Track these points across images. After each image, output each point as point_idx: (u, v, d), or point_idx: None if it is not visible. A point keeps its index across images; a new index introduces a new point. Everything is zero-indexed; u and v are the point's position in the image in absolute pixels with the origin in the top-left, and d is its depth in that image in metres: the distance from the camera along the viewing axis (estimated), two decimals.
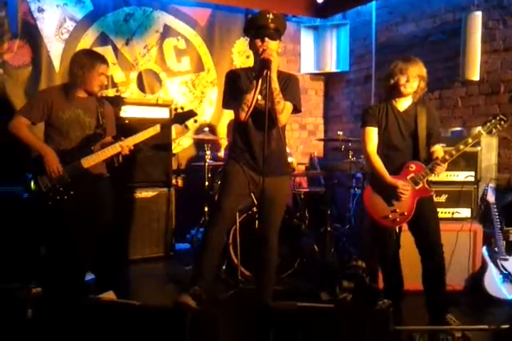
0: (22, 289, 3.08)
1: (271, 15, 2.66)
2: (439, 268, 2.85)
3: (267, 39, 2.64)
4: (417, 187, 2.82)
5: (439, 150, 2.85)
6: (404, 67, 2.78)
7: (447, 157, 2.75)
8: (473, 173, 3.54)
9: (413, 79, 2.78)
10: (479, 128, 2.77)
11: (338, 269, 3.78)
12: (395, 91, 2.86)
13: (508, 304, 3.20)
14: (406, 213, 2.83)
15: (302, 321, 2.11)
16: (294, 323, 2.11)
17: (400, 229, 3.03)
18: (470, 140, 2.74)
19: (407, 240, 2.99)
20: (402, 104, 2.90)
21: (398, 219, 2.85)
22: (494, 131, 2.77)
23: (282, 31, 2.75)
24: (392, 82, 2.82)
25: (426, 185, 2.82)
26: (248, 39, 2.81)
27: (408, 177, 2.82)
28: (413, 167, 2.83)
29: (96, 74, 2.95)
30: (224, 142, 5.15)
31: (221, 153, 5.17)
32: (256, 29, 2.68)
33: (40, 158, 2.89)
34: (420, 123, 2.84)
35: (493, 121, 2.75)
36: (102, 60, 3.01)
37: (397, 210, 2.84)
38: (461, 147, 2.74)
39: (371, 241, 3.66)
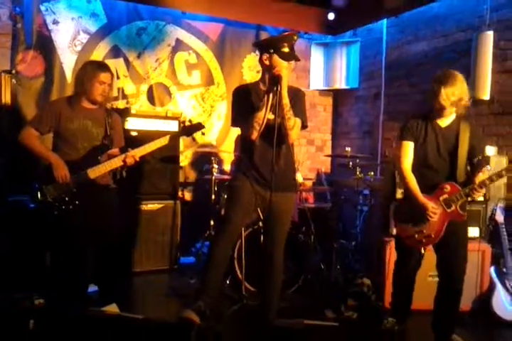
0: (25, 300, 3.07)
1: (296, 38, 2.70)
2: (457, 293, 2.78)
3: (292, 62, 2.68)
4: (449, 210, 2.72)
5: (484, 173, 2.68)
6: (439, 86, 2.64)
7: (487, 182, 2.63)
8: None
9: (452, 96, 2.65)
10: None
11: (343, 286, 3.75)
12: (434, 108, 2.73)
13: None
14: (433, 235, 2.73)
15: (307, 339, 2.08)
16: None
17: (424, 249, 2.91)
18: None
19: None
20: (445, 120, 2.77)
21: (424, 241, 2.75)
22: None
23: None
24: (431, 101, 2.70)
25: (459, 209, 2.72)
26: (259, 53, 2.81)
27: (441, 198, 2.73)
28: (448, 188, 2.72)
29: (97, 82, 2.98)
30: (231, 156, 5.15)
31: (227, 167, 5.17)
32: (280, 48, 2.66)
33: (49, 167, 2.90)
34: (462, 141, 2.71)
35: None
36: (103, 68, 3.03)
37: (424, 231, 2.75)
38: (504, 172, 2.63)
39: (378, 258, 3.62)
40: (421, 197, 2.71)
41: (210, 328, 2.55)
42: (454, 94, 2.63)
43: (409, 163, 2.78)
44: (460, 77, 2.67)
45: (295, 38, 2.70)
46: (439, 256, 2.81)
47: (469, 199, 2.70)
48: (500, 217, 3.35)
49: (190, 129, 3.12)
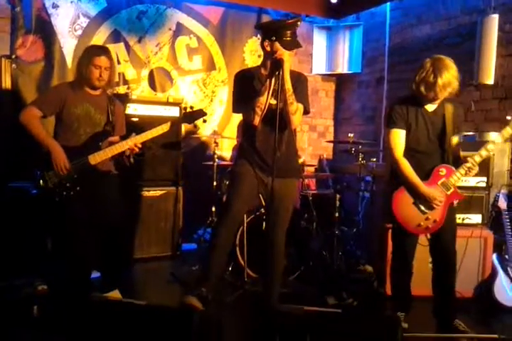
0: (28, 286, 3.09)
1: (299, 24, 2.65)
2: (452, 275, 2.81)
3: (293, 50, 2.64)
4: (449, 193, 2.72)
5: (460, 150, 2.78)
6: (438, 73, 2.58)
7: (478, 158, 2.68)
8: (484, 179, 3.49)
9: (448, 87, 2.62)
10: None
11: (345, 273, 3.75)
12: (426, 97, 2.70)
13: None
14: (438, 220, 2.73)
15: (309, 325, 2.09)
16: (300, 327, 2.09)
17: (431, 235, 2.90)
18: (497, 140, 2.69)
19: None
20: (432, 105, 2.76)
21: (430, 226, 2.74)
22: None
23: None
24: (424, 88, 2.64)
25: (457, 190, 2.74)
26: (260, 37, 2.76)
27: (439, 182, 2.72)
28: (443, 171, 2.72)
29: (92, 66, 2.94)
30: (233, 142, 5.12)
31: (229, 153, 5.15)
32: (282, 36, 2.61)
33: (49, 154, 2.89)
34: (448, 123, 2.73)
35: None
36: (99, 52, 2.98)
37: (430, 217, 2.73)
38: (491, 146, 2.68)
39: (379, 245, 3.62)
40: (423, 186, 2.68)
41: (212, 314, 2.57)
42: (450, 83, 2.61)
43: (402, 151, 2.75)
44: (451, 63, 2.64)
45: (298, 24, 2.65)
46: (431, 240, 2.83)
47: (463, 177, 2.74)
48: (503, 204, 3.33)
49: (191, 116, 3.09)
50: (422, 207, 2.73)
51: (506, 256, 3.28)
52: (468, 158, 2.70)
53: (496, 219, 3.45)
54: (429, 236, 2.86)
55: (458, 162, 2.76)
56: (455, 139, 2.81)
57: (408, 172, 2.70)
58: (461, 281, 3.16)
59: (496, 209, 3.39)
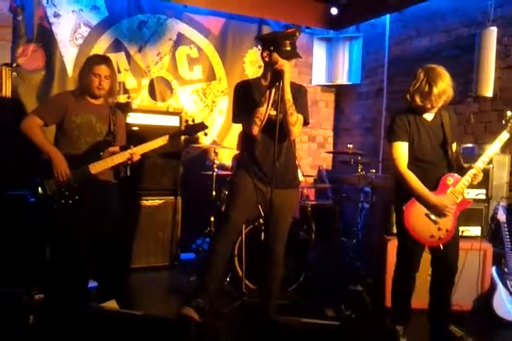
0: (25, 295, 3.07)
1: (298, 35, 2.66)
2: (452, 284, 2.81)
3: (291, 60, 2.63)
4: (458, 201, 2.71)
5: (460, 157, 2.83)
6: (433, 83, 2.61)
7: (482, 165, 2.69)
8: (484, 191, 3.49)
9: (443, 95, 2.65)
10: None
11: (344, 285, 3.73)
12: (422, 107, 2.71)
13: None
14: (449, 229, 2.71)
15: (306, 338, 2.07)
16: (297, 339, 2.07)
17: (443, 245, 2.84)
18: (499, 143, 2.72)
19: None
20: (430, 114, 2.77)
21: (443, 237, 2.71)
22: None
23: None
24: (419, 99, 2.66)
25: (465, 197, 2.74)
26: (261, 48, 2.77)
27: (448, 191, 2.70)
28: (451, 180, 2.71)
29: (92, 75, 2.96)
30: (232, 152, 5.13)
31: (229, 163, 5.15)
32: (280, 46, 2.62)
33: (49, 161, 2.88)
34: (447, 131, 2.74)
35: None
36: (99, 61, 3.00)
37: (441, 227, 2.71)
38: (491, 153, 2.71)
39: (379, 257, 3.60)
40: (432, 196, 2.66)
41: (210, 325, 2.55)
42: (445, 92, 2.63)
43: (406, 164, 2.73)
44: (444, 72, 2.66)
45: (297, 35, 2.66)
46: (433, 252, 2.80)
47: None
48: (502, 216, 3.33)
49: (193, 129, 3.11)
50: (434, 217, 2.70)
51: (506, 269, 3.27)
52: (473, 165, 2.70)
53: (495, 231, 3.44)
54: (441, 246, 2.79)
55: (461, 170, 2.76)
56: (454, 147, 2.83)
57: (415, 183, 2.68)
58: (460, 294, 3.17)
59: (496, 221, 3.38)
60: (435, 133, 2.76)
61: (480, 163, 2.69)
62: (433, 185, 2.71)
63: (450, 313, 2.85)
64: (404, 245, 2.82)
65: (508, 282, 3.25)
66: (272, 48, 2.63)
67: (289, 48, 2.62)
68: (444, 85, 2.61)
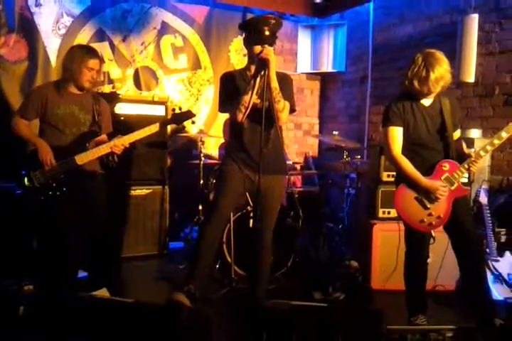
0: (14, 286, 3.08)
1: (273, 21, 2.65)
2: (482, 269, 2.78)
3: (266, 46, 2.62)
4: (453, 188, 2.68)
5: (463, 145, 2.75)
6: (430, 68, 2.58)
7: (482, 152, 2.65)
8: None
9: (441, 81, 2.62)
10: None
11: (331, 269, 3.80)
12: (420, 92, 2.68)
13: (499, 304, 3.23)
14: (442, 216, 2.68)
15: (295, 320, 2.12)
16: (287, 322, 2.12)
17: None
18: (504, 134, 2.65)
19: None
20: (428, 99, 2.75)
21: (434, 223, 2.69)
22: None
23: (277, 32, 2.74)
24: (417, 83, 2.63)
25: (461, 185, 2.70)
26: (244, 36, 2.80)
27: (442, 177, 2.67)
28: (447, 166, 2.68)
29: (85, 68, 2.91)
30: (219, 141, 5.15)
31: (216, 152, 5.17)
32: (255, 33, 2.65)
33: (35, 152, 2.89)
34: (447, 117, 2.70)
35: None
36: (92, 54, 2.96)
37: (433, 213, 2.68)
38: (496, 141, 2.65)
39: (364, 241, 3.67)
40: (423, 179, 2.65)
41: (200, 310, 2.59)
42: (443, 77, 2.61)
43: (400, 149, 2.72)
44: (443, 57, 2.64)
45: (272, 21, 2.64)
46: (453, 235, 2.77)
47: (468, 172, 2.71)
48: (484, 199, 3.39)
49: (180, 117, 3.09)
50: (425, 202, 2.69)
51: (487, 250, 3.35)
52: (472, 153, 2.68)
53: (477, 214, 3.52)
54: (433, 233, 2.79)
55: (461, 157, 2.72)
56: (456, 134, 2.80)
57: (407, 167, 2.67)
58: (444, 275, 3.25)
59: (477, 204, 3.44)
60: (433, 119, 2.72)
61: (481, 151, 2.66)
62: (428, 170, 2.70)
63: (492, 300, 2.81)
64: (409, 231, 2.80)
65: (489, 262, 3.33)
66: (252, 33, 2.65)
67: (267, 33, 2.63)
68: (442, 71, 2.59)
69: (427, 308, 2.85)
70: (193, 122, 3.18)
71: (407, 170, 2.68)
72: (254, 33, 2.65)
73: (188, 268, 2.93)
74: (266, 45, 2.59)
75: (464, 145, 2.79)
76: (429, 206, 2.69)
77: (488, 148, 2.68)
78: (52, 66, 4.49)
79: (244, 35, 2.78)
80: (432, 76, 2.58)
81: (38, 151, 2.87)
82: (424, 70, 2.59)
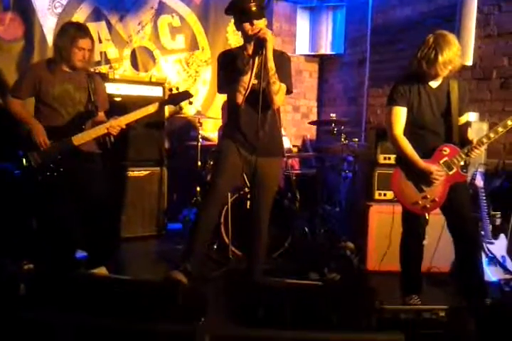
0: (14, 265, 3.10)
1: None
2: (477, 252, 2.81)
3: (255, 21, 2.61)
4: (451, 173, 2.66)
5: (469, 130, 2.71)
6: (440, 50, 2.51)
7: (485, 140, 2.61)
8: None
9: (449, 64, 2.56)
10: None
11: (327, 250, 3.84)
12: (428, 74, 2.62)
13: (492, 286, 3.28)
14: (437, 199, 2.67)
15: (291, 297, 2.16)
16: (282, 299, 2.16)
17: (429, 214, 2.84)
18: (510, 122, 2.61)
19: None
20: (436, 82, 2.69)
21: (428, 206, 2.69)
22: None
23: (264, 5, 2.73)
24: (425, 65, 2.57)
25: (460, 170, 2.69)
26: (234, 20, 2.78)
27: (441, 161, 2.66)
28: (447, 150, 2.66)
29: (75, 48, 2.86)
30: (217, 123, 5.14)
31: (213, 134, 5.17)
32: (240, 12, 2.65)
33: (31, 133, 2.88)
34: (453, 100, 2.66)
35: None
36: (83, 33, 2.89)
37: (428, 196, 2.68)
38: (500, 129, 2.60)
39: (360, 223, 3.71)
40: (421, 161, 2.64)
41: (197, 288, 2.62)
42: (451, 61, 2.56)
43: (402, 129, 2.70)
44: (454, 40, 2.58)
45: None
46: (449, 218, 2.78)
47: (468, 158, 2.68)
48: (480, 182, 3.41)
49: (177, 98, 3.06)
50: (420, 184, 2.69)
51: (482, 233, 3.39)
52: (474, 139, 2.65)
53: (473, 197, 3.54)
54: (427, 216, 2.79)
55: (465, 142, 2.69)
56: (463, 118, 2.76)
57: (406, 148, 2.65)
58: (438, 257, 3.30)
59: (473, 187, 3.46)
60: (438, 101, 2.68)
61: (484, 138, 2.63)
62: (428, 153, 2.68)
63: (485, 283, 2.81)
64: (406, 210, 2.80)
65: (484, 244, 3.37)
66: (240, 14, 2.65)
67: (254, 9, 2.61)
68: (451, 54, 2.53)
69: (421, 289, 2.88)
70: (191, 103, 3.16)
71: (405, 151, 2.66)
72: (242, 12, 2.63)
73: (185, 246, 2.96)
74: (254, 21, 2.59)
75: (470, 131, 2.75)
76: (424, 189, 2.69)
77: (492, 135, 2.63)
78: (48, 45, 4.43)
79: (234, 18, 2.75)
80: (441, 59, 2.52)
81: (31, 132, 2.86)
82: (433, 52, 2.53)
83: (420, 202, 2.69)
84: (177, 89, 3.10)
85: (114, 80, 4.18)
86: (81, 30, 2.92)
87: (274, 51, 2.67)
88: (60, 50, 2.89)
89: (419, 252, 2.87)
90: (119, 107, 3.66)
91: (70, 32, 2.88)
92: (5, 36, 4.24)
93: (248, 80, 2.61)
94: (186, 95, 3.06)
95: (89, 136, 2.92)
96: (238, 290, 2.76)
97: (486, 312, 2.25)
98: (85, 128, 2.95)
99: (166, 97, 3.31)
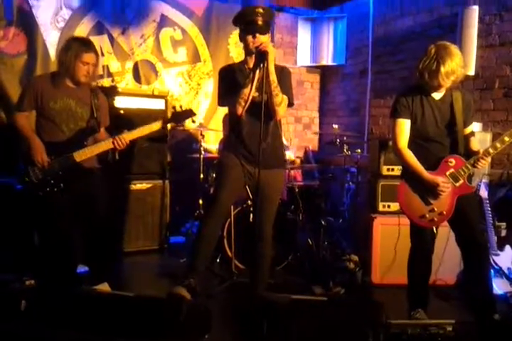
0: (16, 281, 3.08)
1: (260, 10, 2.65)
2: (486, 265, 2.75)
3: (257, 35, 2.63)
4: (457, 184, 2.62)
5: (474, 141, 2.68)
6: (441, 61, 2.49)
7: (491, 150, 2.57)
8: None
9: (451, 75, 2.53)
10: None
11: (331, 263, 3.80)
12: (431, 85, 2.60)
13: (499, 298, 3.23)
14: (445, 212, 2.62)
15: (296, 313, 2.13)
16: (287, 315, 2.13)
17: (437, 228, 2.79)
18: None
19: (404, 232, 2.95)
20: (439, 93, 2.67)
21: (436, 219, 2.64)
22: None
23: (271, 22, 2.75)
24: (427, 76, 2.55)
25: (466, 182, 2.64)
26: (239, 31, 2.79)
27: (447, 173, 2.62)
28: (453, 162, 2.61)
29: (80, 63, 2.85)
30: (219, 135, 5.13)
31: (215, 146, 5.16)
32: (245, 24, 2.67)
33: (30, 150, 2.86)
34: (457, 112, 2.63)
35: None
36: (88, 48, 2.89)
37: (435, 209, 2.63)
38: (507, 139, 2.55)
39: (364, 235, 3.68)
40: (426, 173, 2.60)
41: (201, 304, 2.59)
42: (454, 72, 2.53)
43: (406, 142, 2.65)
44: (456, 51, 2.55)
45: (261, 10, 2.64)
46: (458, 231, 2.72)
47: (474, 169, 2.64)
48: (484, 193, 3.39)
49: (181, 116, 3.05)
50: (427, 197, 2.65)
51: (488, 245, 3.35)
52: (480, 149, 2.61)
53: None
54: (435, 229, 2.74)
55: (470, 153, 2.66)
56: (468, 129, 2.72)
57: (411, 161, 2.62)
58: (444, 269, 3.26)
59: (478, 198, 3.44)
60: (442, 113, 2.66)
61: (491, 148, 2.58)
62: (433, 165, 2.65)
63: (493, 296, 2.76)
64: (413, 225, 2.76)
65: (490, 256, 3.33)
66: (245, 26, 2.67)
67: (260, 23, 2.64)
68: (453, 65, 2.50)
69: (428, 303, 2.83)
70: (193, 121, 3.13)
71: (410, 163, 2.63)
72: (247, 24, 2.66)
73: (188, 261, 2.93)
74: (257, 34, 2.62)
75: (475, 142, 2.72)
76: (431, 202, 2.65)
77: (498, 145, 2.58)
78: (51, 59, 4.46)
79: (239, 28, 2.77)
80: (443, 70, 2.50)
81: (31, 149, 2.84)
82: (435, 63, 2.51)
83: (427, 216, 2.65)
84: (180, 107, 3.06)
85: (117, 93, 4.19)
86: (86, 44, 2.92)
87: (275, 66, 2.67)
88: (65, 64, 2.88)
89: (428, 268, 2.82)
90: (121, 120, 3.66)
91: (75, 46, 2.87)
92: (8, 51, 4.27)
93: (248, 92, 2.61)
94: (189, 114, 3.04)
95: (90, 152, 2.90)
96: (242, 306, 2.73)
97: (495, 328, 2.21)
98: (87, 144, 2.93)
99: (169, 111, 3.31)
